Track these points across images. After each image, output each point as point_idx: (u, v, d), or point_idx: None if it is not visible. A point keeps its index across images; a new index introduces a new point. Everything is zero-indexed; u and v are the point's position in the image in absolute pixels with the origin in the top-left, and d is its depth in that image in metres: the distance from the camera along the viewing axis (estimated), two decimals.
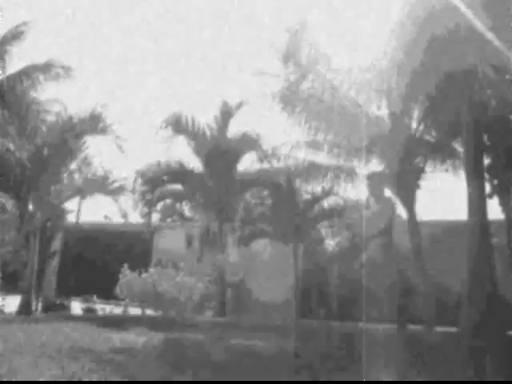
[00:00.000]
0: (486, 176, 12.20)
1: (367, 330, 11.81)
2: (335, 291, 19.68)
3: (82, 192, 15.49)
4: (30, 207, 14.52)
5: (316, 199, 18.41)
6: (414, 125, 13.78)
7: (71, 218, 19.17)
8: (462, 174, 12.12)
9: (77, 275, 21.29)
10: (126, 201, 16.28)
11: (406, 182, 13.06)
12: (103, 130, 14.10)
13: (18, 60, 14.61)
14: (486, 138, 12.45)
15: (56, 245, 19.28)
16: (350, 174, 15.25)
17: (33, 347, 5.42)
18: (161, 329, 8.55)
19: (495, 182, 12.46)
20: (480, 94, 10.73)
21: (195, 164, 18.17)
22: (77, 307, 15.77)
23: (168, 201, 24.83)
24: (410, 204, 13.14)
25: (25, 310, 13.49)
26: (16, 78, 14.11)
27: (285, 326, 12.60)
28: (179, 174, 17.92)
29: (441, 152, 14.10)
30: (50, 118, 14.85)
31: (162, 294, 14.31)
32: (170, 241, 24.50)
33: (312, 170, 15.59)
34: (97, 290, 17.45)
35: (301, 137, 15.20)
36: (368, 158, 14.56)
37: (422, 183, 13.46)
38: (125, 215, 15.43)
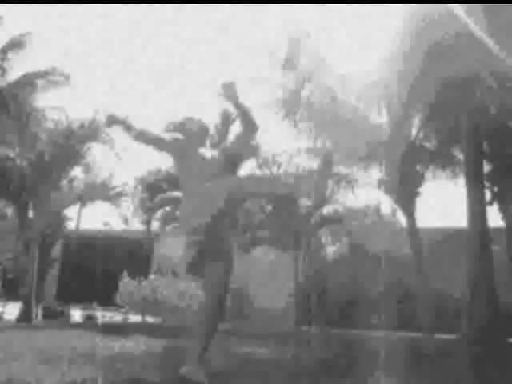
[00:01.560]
0: (486, 183, 12.21)
1: (367, 337, 11.81)
2: (335, 298, 19.66)
3: (82, 199, 15.50)
4: (30, 214, 14.52)
5: (316, 206, 18.40)
6: (414, 132, 13.80)
7: (71, 225, 19.18)
8: (462, 181, 12.13)
9: (77, 282, 21.28)
10: (126, 208, 16.29)
11: (406, 189, 13.06)
12: (103, 138, 14.14)
13: (18, 67, 14.67)
14: (485, 145, 12.47)
15: (56, 252, 19.29)
16: (350, 181, 15.27)
17: (32, 354, 5.41)
18: (161, 336, 8.54)
19: (495, 189, 12.48)
20: (480, 101, 10.75)
21: None
22: (77, 314, 15.76)
23: (168, 208, 24.81)
24: (409, 211, 13.14)
25: (25, 317, 13.48)
26: (16, 85, 14.15)
27: (285, 332, 12.58)
28: (179, 180, 17.89)
29: (441, 159, 14.12)
30: (51, 126, 14.89)
31: (162, 301, 14.30)
32: (170, 248, 24.48)
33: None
34: (97, 297, 17.44)
35: (301, 144, 15.24)
36: (368, 165, 14.58)
37: (422, 190, 13.48)
38: (125, 222, 15.44)
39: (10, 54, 14.56)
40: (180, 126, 4.88)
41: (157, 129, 4.89)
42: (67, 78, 14.70)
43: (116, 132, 14.16)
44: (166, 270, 15.41)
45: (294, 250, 18.27)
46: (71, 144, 14.12)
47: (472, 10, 8.94)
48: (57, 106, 15.56)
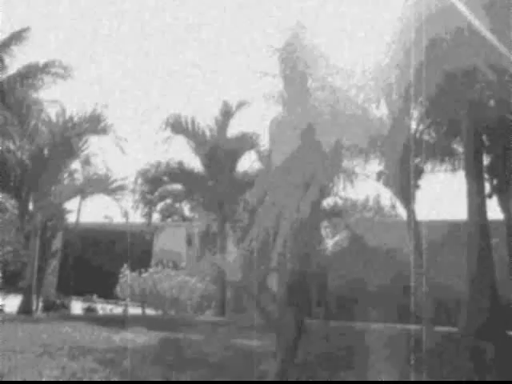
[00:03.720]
0: (486, 176, 12.21)
1: (366, 329, 11.84)
2: (334, 291, 19.69)
3: (82, 192, 15.48)
4: (31, 207, 14.52)
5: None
6: (414, 125, 13.80)
7: (72, 218, 19.19)
8: (462, 174, 12.14)
9: (77, 275, 21.26)
10: (127, 201, 16.28)
11: (406, 182, 13.07)
12: (104, 130, 14.11)
13: (19, 60, 14.66)
14: (485, 138, 12.47)
15: (56, 244, 19.29)
16: (350, 175, 15.27)
17: (33, 346, 5.44)
18: (161, 328, 8.58)
19: (494, 181, 12.47)
20: (479, 94, 10.76)
21: (195, 164, 18.19)
22: (77, 307, 15.80)
23: (168, 201, 24.79)
24: (409, 204, 13.16)
25: (25, 309, 13.50)
26: (17, 79, 14.14)
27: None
28: (179, 174, 17.92)
29: (440, 152, 14.12)
30: (51, 119, 14.87)
31: (162, 293, 14.33)
32: (171, 241, 24.52)
33: None
34: (97, 289, 17.47)
35: None
36: (368, 158, 14.59)
37: (422, 183, 13.48)
38: (125, 215, 15.44)
39: (11, 48, 14.55)
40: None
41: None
42: (67, 69, 14.69)
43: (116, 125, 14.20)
44: (166, 263, 15.43)
45: None
46: (71, 137, 14.10)
47: (472, 4, 8.94)
48: (55, 100, 15.57)
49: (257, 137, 17.65)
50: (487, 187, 12.20)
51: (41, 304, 15.54)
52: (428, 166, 14.13)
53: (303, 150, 4.43)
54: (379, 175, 13.82)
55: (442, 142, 13.66)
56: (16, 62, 14.59)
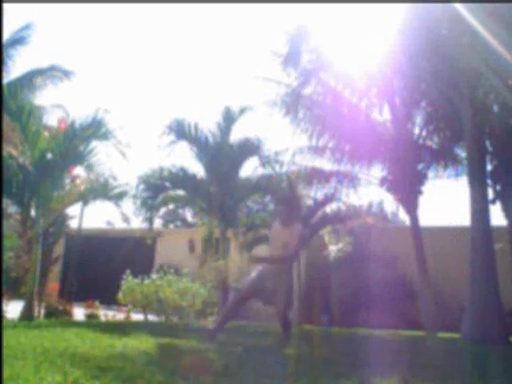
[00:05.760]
0: (489, 182, 12.20)
1: (368, 335, 11.79)
2: (338, 297, 19.65)
3: (84, 197, 15.45)
4: (33, 213, 14.47)
5: (318, 205, 18.37)
6: (417, 130, 13.78)
7: (74, 224, 19.16)
8: (465, 180, 12.12)
9: (79, 281, 21.23)
10: (129, 206, 16.23)
11: (409, 188, 13.05)
12: (105, 136, 14.06)
13: (21, 64, 14.70)
14: (488, 143, 12.46)
15: (59, 250, 19.26)
16: (353, 180, 15.26)
17: (35, 353, 5.40)
18: (163, 335, 8.53)
19: (498, 187, 12.45)
20: (483, 99, 10.75)
21: (198, 169, 18.19)
22: (79, 313, 15.76)
23: (170, 206, 24.78)
24: (412, 210, 13.13)
25: (27, 315, 13.45)
26: (18, 83, 14.14)
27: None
28: (182, 179, 17.90)
29: (443, 158, 14.11)
30: (53, 124, 14.84)
31: (164, 299, 14.29)
32: (173, 246, 24.51)
33: (314, 176, 15.58)
34: (99, 295, 17.44)
35: (303, 142, 15.23)
36: (370, 163, 14.57)
37: (425, 189, 13.47)
38: (127, 221, 15.39)
39: (12, 51, 14.58)
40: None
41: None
42: (67, 73, 14.70)
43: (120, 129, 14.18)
44: (168, 269, 15.40)
45: None
46: (73, 143, 14.06)
47: (475, 9, 8.93)
48: (59, 104, 15.58)
49: (260, 142, 17.63)
50: (490, 193, 12.18)
51: (43, 310, 15.50)
52: (431, 172, 14.13)
53: None
54: (382, 181, 13.81)
55: (445, 147, 13.66)
56: (18, 63, 14.68)
